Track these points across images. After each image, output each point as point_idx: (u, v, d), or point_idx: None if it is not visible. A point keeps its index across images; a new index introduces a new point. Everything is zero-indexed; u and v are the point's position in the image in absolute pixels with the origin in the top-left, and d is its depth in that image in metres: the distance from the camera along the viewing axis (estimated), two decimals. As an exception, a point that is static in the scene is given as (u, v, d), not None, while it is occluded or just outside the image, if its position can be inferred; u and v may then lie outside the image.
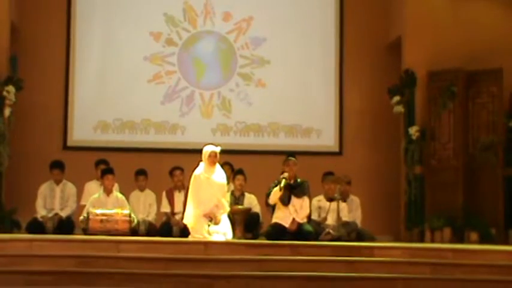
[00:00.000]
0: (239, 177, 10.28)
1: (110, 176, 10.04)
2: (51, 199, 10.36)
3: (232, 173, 10.36)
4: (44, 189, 10.41)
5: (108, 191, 10.01)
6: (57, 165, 10.46)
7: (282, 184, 9.46)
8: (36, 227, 10.04)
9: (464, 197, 10.89)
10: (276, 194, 9.53)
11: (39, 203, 10.32)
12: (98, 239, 8.67)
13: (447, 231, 10.66)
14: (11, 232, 10.38)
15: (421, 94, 11.38)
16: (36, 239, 8.62)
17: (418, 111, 11.37)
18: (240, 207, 9.93)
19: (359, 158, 12.05)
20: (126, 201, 10.07)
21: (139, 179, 10.58)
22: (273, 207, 9.75)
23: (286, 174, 9.52)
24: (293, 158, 9.76)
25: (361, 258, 8.29)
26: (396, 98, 11.48)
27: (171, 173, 10.50)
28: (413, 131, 11.25)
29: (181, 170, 10.45)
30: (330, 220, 10.04)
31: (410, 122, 11.38)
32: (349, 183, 10.57)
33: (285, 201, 9.60)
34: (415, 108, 11.39)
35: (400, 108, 11.48)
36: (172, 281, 7.66)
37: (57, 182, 10.44)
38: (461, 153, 11.04)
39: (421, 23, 11.43)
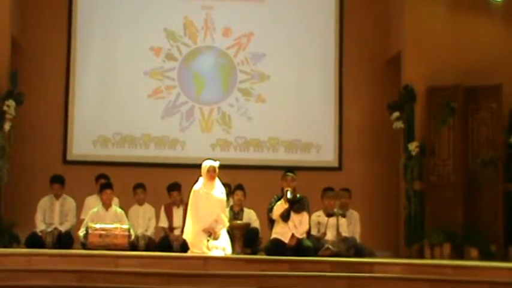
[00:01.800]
0: (238, 192, 10.28)
1: (108, 191, 10.04)
2: (50, 213, 10.35)
3: (231, 192, 10.31)
4: (43, 203, 10.39)
5: (106, 206, 10.01)
6: (58, 180, 10.46)
7: (288, 196, 9.42)
8: (35, 241, 10.01)
9: (464, 213, 10.88)
10: (280, 207, 9.50)
11: (39, 217, 10.30)
12: (97, 253, 8.67)
13: (447, 247, 10.64)
14: (9, 246, 10.35)
15: (421, 110, 11.38)
16: (35, 253, 8.61)
17: (417, 127, 11.38)
18: (239, 222, 9.92)
19: (358, 173, 12.05)
20: (125, 216, 10.06)
21: (138, 192, 10.57)
22: (272, 223, 9.73)
23: (289, 189, 9.49)
24: (291, 174, 9.74)
25: (360, 274, 8.28)
26: (396, 114, 11.49)
27: (169, 192, 10.46)
28: (413, 146, 11.25)
29: (179, 190, 10.39)
30: (330, 236, 10.02)
31: (409, 137, 11.38)
32: (349, 197, 10.57)
33: (285, 217, 9.59)
34: (414, 124, 11.40)
35: (399, 124, 11.48)
36: (172, 296, 7.66)
37: (57, 197, 10.43)
38: (461, 169, 11.04)
39: (421, 39, 11.45)
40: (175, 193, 10.42)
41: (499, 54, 11.24)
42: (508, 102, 10.88)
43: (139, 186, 10.62)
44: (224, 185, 9.54)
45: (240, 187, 10.32)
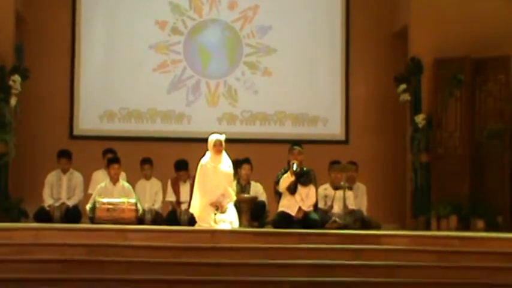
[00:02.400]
0: (245, 166, 10.28)
1: (115, 166, 10.07)
2: (58, 188, 10.39)
3: (238, 167, 10.28)
4: (51, 178, 10.43)
5: (114, 180, 10.04)
6: (65, 154, 10.49)
7: (294, 168, 9.44)
8: (44, 216, 10.07)
9: (471, 185, 10.89)
10: (287, 179, 9.52)
11: (46, 191, 10.34)
12: (105, 227, 8.71)
13: (453, 219, 10.66)
14: (18, 221, 10.41)
15: (428, 82, 11.35)
16: (44, 228, 8.66)
17: (424, 100, 11.35)
18: (246, 195, 9.94)
19: (365, 146, 12.04)
20: (132, 190, 10.09)
21: (145, 167, 10.58)
22: (279, 196, 9.76)
23: (296, 162, 9.51)
24: (298, 147, 9.76)
25: (367, 246, 8.30)
26: (402, 86, 11.45)
27: (176, 170, 10.45)
28: (420, 119, 11.23)
29: (186, 169, 10.37)
30: (336, 208, 10.05)
31: (416, 110, 11.36)
32: (356, 170, 10.58)
33: (292, 189, 9.61)
34: (421, 97, 11.36)
35: (406, 97, 11.45)
36: (179, 269, 7.69)
37: (64, 171, 10.46)
38: (467, 141, 11.02)
39: (428, 11, 11.38)
40: (182, 172, 10.42)
41: (507, 26, 11.15)
42: (516, 74, 10.84)
43: (146, 161, 10.62)
44: (232, 161, 9.54)
45: (247, 161, 10.33)
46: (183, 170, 10.41)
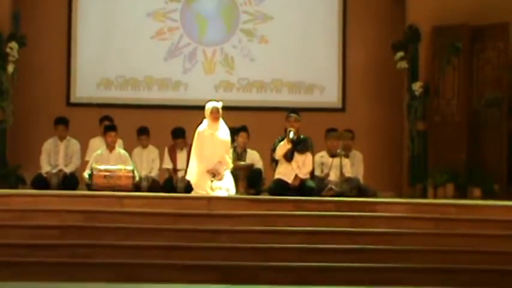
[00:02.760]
0: (242, 134, 10.27)
1: (112, 133, 10.06)
2: (55, 155, 10.38)
3: (235, 135, 10.27)
4: (48, 145, 10.42)
5: (110, 148, 10.05)
6: (62, 122, 10.47)
7: (291, 136, 9.45)
8: (41, 182, 10.08)
9: (468, 153, 10.91)
10: (283, 147, 9.54)
11: (44, 158, 10.34)
12: (102, 194, 8.73)
13: (450, 187, 10.69)
14: (16, 188, 10.45)
15: (425, 50, 11.32)
16: (41, 194, 8.71)
17: (421, 67, 11.33)
18: (242, 163, 9.95)
19: (362, 114, 12.01)
20: (129, 158, 10.10)
21: (142, 138, 10.57)
22: (276, 163, 9.77)
23: (292, 129, 9.52)
24: (294, 115, 9.76)
25: (363, 213, 8.33)
26: (400, 54, 11.42)
27: (174, 139, 10.43)
28: (417, 87, 11.22)
29: (183, 137, 10.34)
30: (333, 176, 10.05)
31: (413, 77, 11.34)
32: (352, 138, 10.57)
33: (288, 157, 9.62)
34: (418, 64, 11.34)
35: (403, 64, 11.43)
36: (176, 236, 7.75)
37: (61, 139, 10.45)
38: (465, 109, 11.03)
39: (426, -23, 11.33)
40: (179, 140, 10.41)
41: (505, -7, 11.11)
42: (514, 42, 10.80)
43: (143, 132, 10.57)
44: (229, 128, 9.53)
45: (244, 128, 10.32)
46: (180, 137, 10.41)
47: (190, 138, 9.63)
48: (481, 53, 11.05)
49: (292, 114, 9.78)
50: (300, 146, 9.63)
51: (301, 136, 9.71)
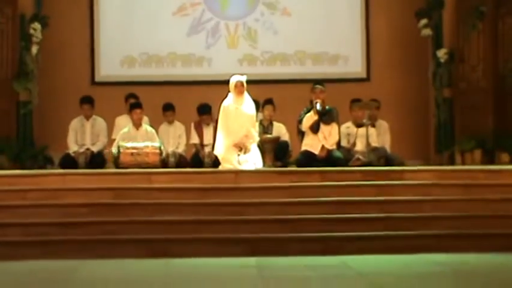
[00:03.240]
0: (268, 107, 10.27)
1: (137, 110, 10.09)
2: (82, 134, 10.44)
3: (258, 110, 10.26)
4: (74, 124, 10.48)
5: (137, 125, 10.08)
6: (87, 101, 10.52)
7: (318, 107, 9.43)
8: (69, 162, 10.13)
9: (494, 118, 10.83)
10: (310, 118, 9.53)
11: (71, 138, 10.40)
12: (130, 171, 8.78)
13: (477, 153, 10.64)
14: (44, 168, 10.55)
15: (449, 16, 11.21)
16: (70, 173, 8.79)
17: (446, 34, 11.23)
18: (269, 136, 9.95)
19: (387, 83, 11.94)
20: (155, 135, 10.13)
21: (167, 114, 10.58)
22: (302, 135, 9.77)
23: (319, 101, 9.50)
24: (320, 86, 9.73)
25: (391, 182, 8.31)
26: (423, 21, 11.32)
27: (199, 115, 10.45)
28: (442, 53, 11.12)
29: (209, 113, 10.33)
30: (359, 146, 10.01)
31: (438, 44, 11.25)
32: (378, 107, 10.52)
33: (315, 128, 9.61)
34: (443, 31, 11.24)
35: (427, 31, 11.33)
36: (204, 210, 7.80)
37: (87, 118, 10.50)
38: (490, 74, 10.93)
39: None
40: (205, 116, 10.43)
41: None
42: (541, 4, 10.66)
43: (168, 108, 10.59)
44: (253, 101, 9.53)
45: (269, 101, 10.31)
46: (206, 114, 10.42)
47: (216, 113, 9.64)
48: (506, 17, 10.91)
49: (317, 86, 9.74)
50: (325, 116, 9.61)
51: (327, 107, 9.68)
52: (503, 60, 10.93)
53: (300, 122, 9.69)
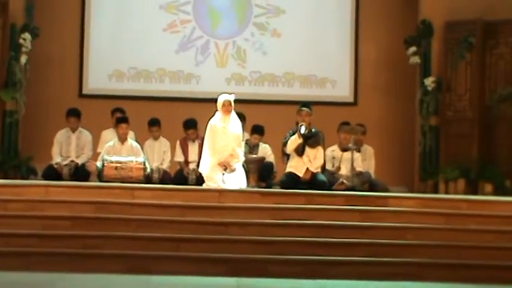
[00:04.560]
0: (256, 136, 10.20)
1: (123, 125, 10.07)
2: (67, 146, 10.39)
3: (244, 123, 10.27)
4: (60, 136, 10.43)
5: (122, 140, 10.05)
6: (74, 113, 10.47)
7: (302, 131, 9.43)
8: (52, 173, 10.07)
9: (480, 148, 10.88)
10: (294, 141, 9.52)
11: (55, 149, 10.34)
12: (113, 185, 8.74)
13: (461, 183, 10.67)
14: (27, 179, 10.49)
15: (438, 45, 11.29)
16: (53, 185, 8.71)
17: (434, 62, 11.31)
18: (254, 156, 9.95)
19: (374, 108, 12.00)
20: (140, 149, 10.10)
21: (153, 129, 10.55)
22: (287, 157, 9.76)
23: (304, 124, 9.50)
24: (306, 108, 9.71)
25: (374, 207, 8.32)
26: (412, 49, 11.39)
27: (185, 129, 10.44)
28: (429, 82, 11.19)
29: (195, 128, 10.33)
30: (344, 170, 10.03)
31: (426, 72, 11.32)
32: (364, 133, 10.55)
33: (300, 151, 9.61)
34: (431, 59, 11.32)
35: (416, 59, 11.40)
36: (187, 228, 7.76)
37: (73, 130, 10.46)
38: (477, 104, 10.99)
39: (439, -28, 11.29)
40: (190, 131, 10.41)
41: (519, -12, 11.07)
42: (528, 37, 10.76)
43: (154, 123, 10.55)
44: (238, 115, 9.53)
45: (258, 131, 10.19)
46: (192, 128, 10.40)
47: (202, 130, 9.63)
48: (494, 48, 11.01)
49: (303, 108, 9.74)
50: (311, 140, 9.61)
51: (313, 130, 9.68)
52: (490, 90, 11.02)
53: (285, 144, 9.68)
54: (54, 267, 7.14)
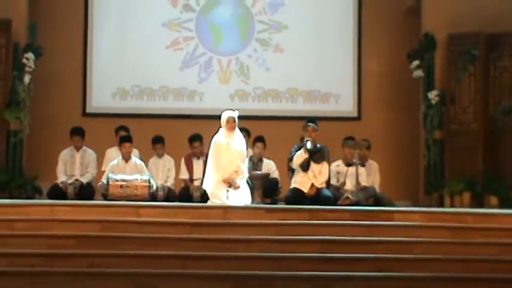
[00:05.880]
0: (259, 144, 10.27)
1: (127, 144, 10.08)
2: (71, 165, 10.41)
3: (250, 138, 10.34)
4: (64, 155, 10.45)
5: (126, 158, 10.06)
6: (78, 132, 10.49)
7: (308, 146, 9.43)
8: (58, 192, 10.09)
9: (484, 161, 10.86)
10: (300, 157, 9.52)
11: (60, 168, 10.36)
12: (118, 204, 8.75)
13: (467, 196, 10.64)
14: (32, 198, 10.50)
15: (441, 58, 11.30)
16: (58, 204, 8.71)
17: (437, 76, 11.31)
18: (258, 172, 9.95)
19: (378, 122, 12.00)
20: (145, 167, 10.11)
21: (157, 147, 10.57)
22: (293, 172, 9.76)
23: (310, 140, 9.49)
24: (312, 124, 9.72)
25: (380, 222, 8.29)
26: (416, 62, 11.40)
27: (190, 142, 10.48)
28: (433, 95, 11.19)
29: (201, 140, 10.38)
30: (349, 185, 10.04)
31: (429, 86, 11.32)
32: (368, 147, 10.54)
33: (305, 166, 9.60)
34: (434, 73, 11.32)
35: (419, 73, 11.40)
36: (192, 245, 7.72)
37: (78, 149, 10.47)
38: (481, 117, 10.99)
39: (441, -14, 11.31)
40: (197, 143, 10.42)
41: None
42: (531, 49, 10.77)
43: (158, 141, 10.58)
44: (242, 130, 9.54)
45: (260, 139, 10.31)
46: (198, 140, 10.40)
47: (206, 147, 9.64)
48: (498, 60, 11.02)
49: (310, 124, 9.74)
50: (316, 155, 9.61)
51: (318, 145, 9.68)
52: (494, 103, 11.01)
53: (291, 159, 9.69)
54: (60, 286, 7.10)
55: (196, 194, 10.07)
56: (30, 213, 8.21)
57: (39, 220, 8.03)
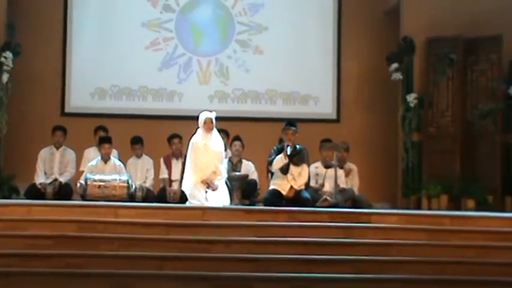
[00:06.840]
0: (236, 143, 10.29)
1: (106, 145, 10.04)
2: (50, 163, 10.34)
3: (229, 139, 10.35)
4: (44, 153, 10.38)
5: (105, 160, 10.02)
6: (60, 128, 10.44)
7: (288, 152, 9.43)
8: (35, 192, 10.03)
9: (462, 164, 10.93)
10: (280, 161, 9.50)
11: (39, 166, 10.29)
12: (96, 204, 8.71)
13: (444, 199, 10.71)
14: (9, 198, 10.41)
15: (420, 61, 11.36)
16: (35, 204, 8.66)
17: (416, 79, 11.36)
18: (237, 173, 9.95)
19: (356, 125, 12.04)
20: (123, 168, 10.08)
21: (135, 147, 10.54)
22: (272, 174, 9.76)
23: (290, 145, 9.48)
24: (293, 128, 9.66)
25: (358, 224, 8.32)
26: (394, 65, 11.45)
27: (170, 140, 10.47)
28: (411, 98, 11.25)
29: (180, 138, 10.40)
30: (327, 187, 10.05)
31: (408, 89, 11.37)
32: (347, 150, 10.56)
33: (284, 170, 9.59)
34: (413, 76, 11.38)
35: (398, 76, 11.45)
36: (170, 246, 7.72)
37: (57, 147, 10.41)
38: (459, 120, 11.06)
39: (420, -10, 11.38)
40: (176, 139, 10.38)
41: (499, 5, 11.17)
42: (508, 53, 10.87)
43: (137, 141, 10.55)
44: (221, 130, 9.53)
45: (237, 138, 10.33)
46: (177, 137, 10.37)
47: (185, 148, 9.62)
48: (475, 64, 11.11)
49: (290, 127, 9.65)
50: (296, 158, 9.59)
51: (297, 147, 9.68)
52: (472, 106, 11.10)
53: (270, 163, 9.67)
54: (37, 287, 7.06)
55: (175, 195, 10.02)
56: (6, 213, 8.16)
57: (15, 220, 7.98)
